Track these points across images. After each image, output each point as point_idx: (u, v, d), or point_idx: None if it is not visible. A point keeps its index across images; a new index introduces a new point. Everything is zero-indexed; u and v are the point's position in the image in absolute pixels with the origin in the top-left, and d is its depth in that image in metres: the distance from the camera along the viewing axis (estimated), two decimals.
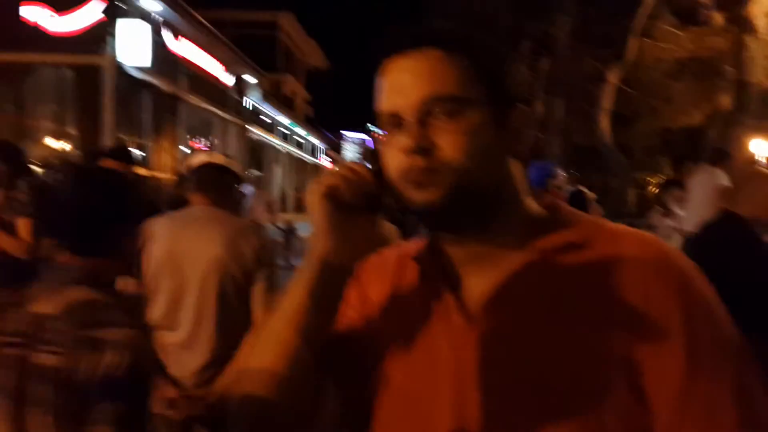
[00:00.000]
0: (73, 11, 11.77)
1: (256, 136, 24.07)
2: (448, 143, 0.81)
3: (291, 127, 29.23)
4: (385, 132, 0.86)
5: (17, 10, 11.35)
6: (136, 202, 1.61)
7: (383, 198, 0.87)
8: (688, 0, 16.42)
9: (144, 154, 14.52)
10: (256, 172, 13.27)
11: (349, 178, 0.85)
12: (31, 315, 1.42)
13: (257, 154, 25.34)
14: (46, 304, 1.43)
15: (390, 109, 0.85)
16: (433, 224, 0.89)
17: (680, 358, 0.76)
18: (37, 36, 11.52)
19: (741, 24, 12.80)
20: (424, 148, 0.81)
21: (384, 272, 0.98)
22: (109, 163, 3.73)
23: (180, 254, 2.55)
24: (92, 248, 1.50)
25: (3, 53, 11.33)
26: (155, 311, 2.58)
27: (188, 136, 18.63)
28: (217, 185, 2.72)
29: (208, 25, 16.32)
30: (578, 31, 17.60)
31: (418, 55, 0.83)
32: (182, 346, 2.52)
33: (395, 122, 0.84)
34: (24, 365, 1.36)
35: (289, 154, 30.21)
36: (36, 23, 11.59)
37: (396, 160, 0.83)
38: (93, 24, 11.88)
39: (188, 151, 17.78)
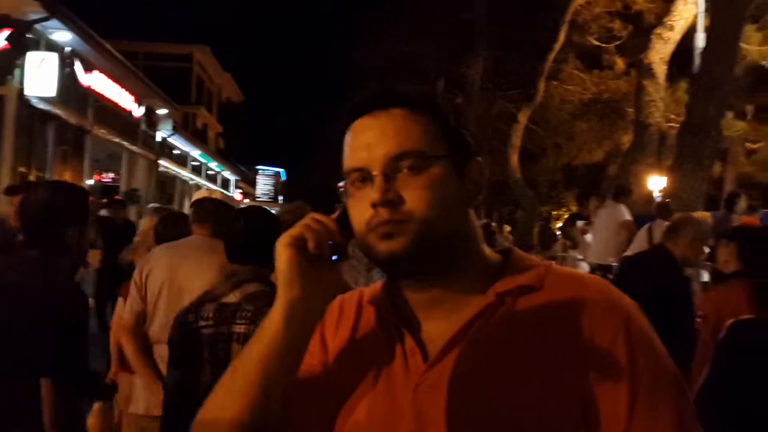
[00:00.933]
0: None
1: (166, 170, 23.49)
2: (413, 196, 0.86)
3: (203, 160, 28.71)
4: (352, 186, 0.91)
5: None
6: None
7: (347, 247, 0.91)
8: (593, 46, 17.53)
9: None
10: (154, 205, 12.96)
11: (314, 228, 0.88)
12: (223, 304, 2.19)
13: (168, 187, 24.69)
14: (231, 296, 2.19)
15: (357, 164, 0.89)
16: (396, 272, 0.92)
17: (625, 393, 0.82)
18: None
19: (641, 69, 13.76)
20: (390, 201, 0.86)
21: (342, 318, 1.00)
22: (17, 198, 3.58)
23: (180, 278, 2.87)
24: (254, 258, 2.25)
25: None
26: (155, 327, 2.93)
27: (95, 169, 17.97)
28: (214, 218, 3.04)
29: (119, 56, 15.94)
30: (491, 73, 18.40)
31: (384, 114, 0.90)
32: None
33: (362, 177, 0.89)
34: (228, 337, 2.12)
35: (199, 187, 29.56)
36: None
37: (363, 212, 0.88)
38: None
39: (92, 184, 17.14)
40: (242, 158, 37.35)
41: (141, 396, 3.05)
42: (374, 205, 0.86)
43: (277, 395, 0.88)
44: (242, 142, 39.85)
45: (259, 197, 40.83)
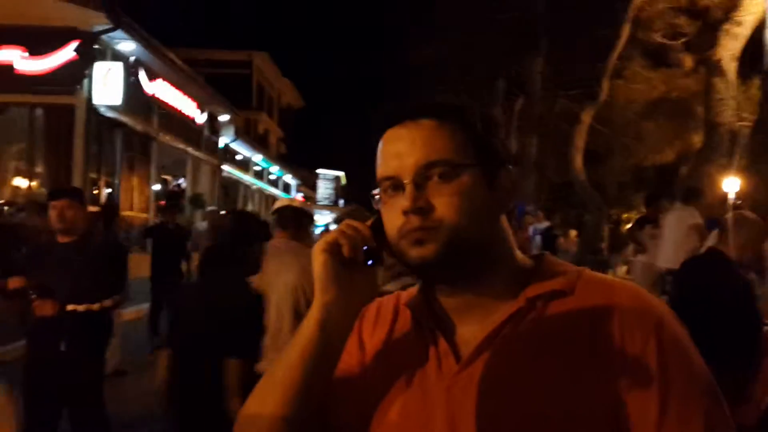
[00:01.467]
0: (49, 50, 11.87)
1: (229, 174, 24.11)
2: (443, 204, 0.89)
3: (264, 165, 29.33)
4: (384, 194, 0.94)
5: None
6: None
7: (381, 253, 0.94)
8: (658, 43, 17.00)
9: (113, 193, 14.47)
10: (212, 208, 13.29)
11: (349, 234, 0.93)
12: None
13: (230, 191, 25.35)
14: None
15: (389, 172, 0.93)
16: (428, 278, 0.96)
17: (655, 400, 0.82)
18: (9, 76, 11.55)
19: (710, 66, 13.26)
20: (421, 209, 0.89)
21: (380, 320, 1.04)
22: (59, 204, 3.67)
23: (265, 278, 3.17)
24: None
25: None
26: None
27: (160, 175, 18.62)
28: (294, 223, 3.40)
29: (182, 64, 16.47)
30: (553, 72, 18.09)
31: (415, 125, 0.93)
32: (268, 348, 3.12)
33: (394, 185, 0.92)
34: None
35: (261, 191, 30.24)
36: (10, 63, 11.65)
37: (395, 219, 0.91)
38: (65, 63, 11.96)
39: (158, 189, 17.75)
40: (303, 162, 38.04)
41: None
42: (405, 213, 0.90)
43: (315, 393, 0.93)
44: (303, 147, 40.49)
45: (320, 201, 41.41)
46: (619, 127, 19.54)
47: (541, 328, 0.90)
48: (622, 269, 13.47)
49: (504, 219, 0.97)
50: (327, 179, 43.84)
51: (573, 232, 18.21)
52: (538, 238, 11.24)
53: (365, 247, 0.93)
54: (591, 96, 17.13)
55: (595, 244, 16.49)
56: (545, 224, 11.89)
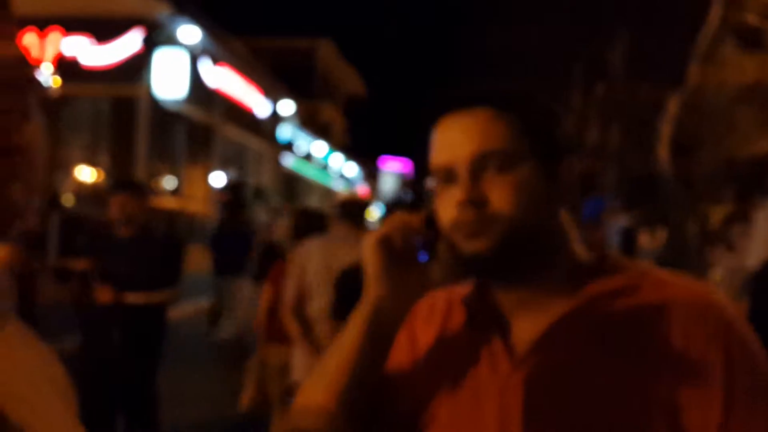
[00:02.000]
0: (113, 40, 12.34)
1: (290, 165, 24.48)
2: (499, 196, 0.89)
3: (327, 155, 29.65)
4: (438, 185, 0.94)
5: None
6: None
7: (435, 246, 0.94)
8: (753, 25, 16.22)
9: (177, 184, 14.94)
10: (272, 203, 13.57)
11: (401, 227, 0.93)
12: None
13: (292, 183, 25.75)
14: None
15: (443, 163, 0.93)
16: (483, 272, 0.95)
17: (718, 405, 0.81)
18: (75, 67, 12.08)
19: None
20: (476, 201, 0.88)
21: (433, 315, 1.04)
22: (120, 197, 3.85)
23: (335, 265, 3.42)
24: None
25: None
26: (314, 307, 3.61)
27: (221, 166, 19.11)
28: (357, 216, 3.83)
29: (245, 53, 16.83)
30: (635, 57, 17.57)
31: (470, 114, 0.92)
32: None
33: (448, 176, 0.92)
34: None
35: (323, 184, 30.59)
36: (75, 57, 12.19)
37: (449, 211, 0.91)
38: (131, 56, 12.42)
39: (221, 180, 18.21)
40: (367, 152, 38.23)
41: (298, 365, 3.73)
42: (459, 205, 0.89)
43: (364, 387, 0.94)
44: (367, 136, 40.67)
45: (383, 192, 41.54)
46: (708, 115, 18.83)
47: (600, 328, 0.89)
48: (716, 271, 12.97)
49: (564, 213, 0.96)
50: (390, 173, 43.96)
51: (659, 230, 17.68)
52: (616, 237, 10.97)
53: (418, 241, 0.93)
54: (678, 83, 16.56)
55: (681, 243, 15.97)
56: (625, 221, 11.59)
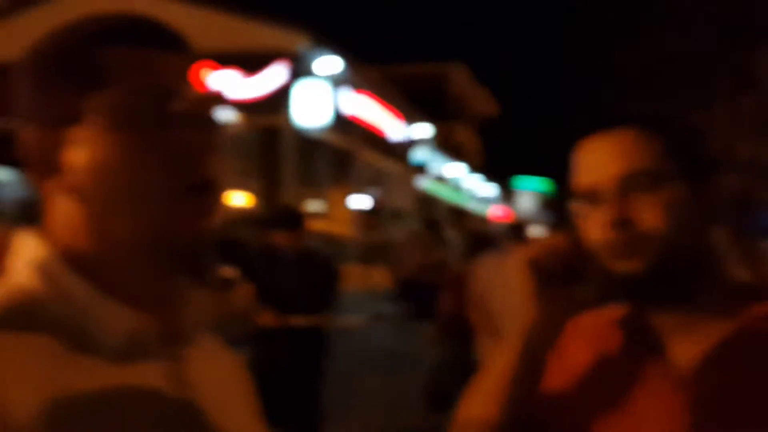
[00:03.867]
0: (258, 72, 13.08)
1: (426, 188, 24.68)
2: (649, 216, 0.87)
3: (461, 177, 29.61)
4: (584, 206, 0.93)
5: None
6: None
7: (582, 268, 0.93)
8: None
9: (321, 207, 15.52)
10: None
11: (551, 249, 0.93)
12: None
13: (427, 204, 25.92)
14: None
15: (590, 184, 0.92)
16: (637, 293, 0.92)
17: None
18: (225, 100, 12.92)
19: None
20: (625, 221, 0.87)
21: (586, 337, 1.02)
22: (279, 236, 4.07)
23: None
24: None
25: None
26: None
27: (361, 189, 19.62)
28: (521, 235, 4.48)
29: (380, 80, 17.25)
30: None
31: (616, 134, 0.92)
32: None
33: (594, 197, 0.91)
34: None
35: (458, 204, 30.53)
36: (224, 88, 13.04)
37: (597, 232, 0.90)
38: (277, 89, 13.09)
39: (361, 204, 18.69)
40: (502, 172, 37.78)
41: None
42: (608, 225, 0.89)
43: (518, 406, 0.96)
44: (502, 156, 40.20)
45: (521, 213, 40.84)
46: None
47: (763, 351, 0.87)
48: None
49: (719, 232, 0.95)
50: (527, 193, 43.10)
51: None
52: None
53: (566, 263, 0.93)
54: None
55: None
56: None
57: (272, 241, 4.16)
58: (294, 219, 4.17)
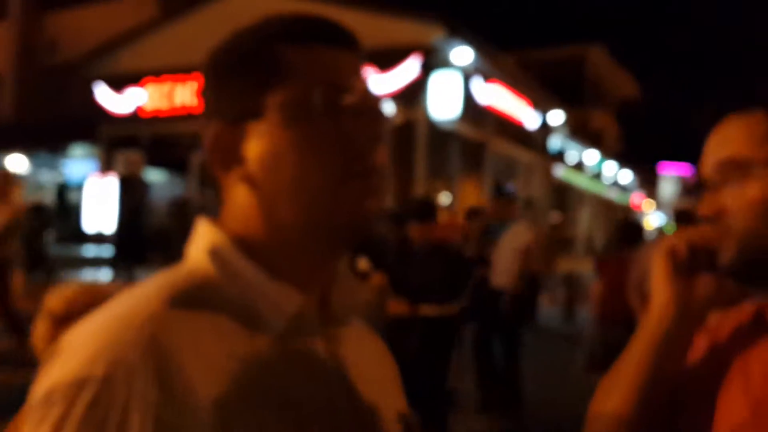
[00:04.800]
0: (393, 68, 13.17)
1: (561, 176, 23.95)
2: (738, 206, 0.86)
3: (599, 165, 28.47)
4: (722, 186, 0.90)
5: None
6: None
7: (722, 259, 0.89)
8: None
9: (451, 200, 15.43)
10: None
11: (689, 238, 0.92)
12: None
13: (562, 194, 25.16)
14: None
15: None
16: (742, 283, 0.92)
17: None
18: None
19: None
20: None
21: (736, 329, 0.98)
22: (413, 228, 4.13)
23: None
24: None
25: None
26: None
27: (492, 179, 19.34)
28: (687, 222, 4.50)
29: (515, 67, 16.86)
30: None
31: (743, 119, 0.90)
32: None
33: (733, 175, 0.89)
34: None
35: (596, 194, 29.40)
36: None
37: (742, 215, 0.87)
38: (410, 83, 13.12)
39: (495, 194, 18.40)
40: (644, 158, 35.99)
41: None
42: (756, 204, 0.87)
43: (654, 395, 0.93)
44: (644, 141, 38.35)
45: (664, 198, 38.85)
46: None
47: None
48: None
49: None
50: (670, 179, 40.90)
51: None
52: None
53: (709, 253, 0.91)
54: None
55: None
56: None
57: (406, 234, 4.32)
58: (426, 211, 4.26)
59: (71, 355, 0.63)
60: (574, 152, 25.02)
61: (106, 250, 13.43)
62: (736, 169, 0.87)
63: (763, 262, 0.86)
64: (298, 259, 0.74)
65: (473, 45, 13.95)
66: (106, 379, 0.60)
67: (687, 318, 0.93)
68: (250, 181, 0.74)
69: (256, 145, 0.73)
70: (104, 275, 11.93)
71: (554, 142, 22.11)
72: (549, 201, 21.82)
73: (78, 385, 0.60)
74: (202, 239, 0.76)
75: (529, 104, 18.69)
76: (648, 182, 37.68)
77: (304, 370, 0.72)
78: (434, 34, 13.17)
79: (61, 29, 20.02)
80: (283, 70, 0.73)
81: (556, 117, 20.96)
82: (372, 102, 0.77)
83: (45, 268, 11.32)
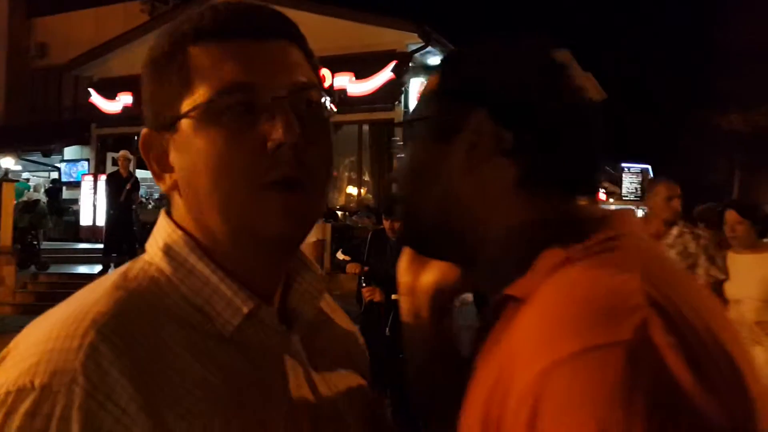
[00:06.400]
0: (372, 76, 13.48)
1: None
2: None
3: None
4: None
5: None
6: None
7: None
8: None
9: None
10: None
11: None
12: None
13: None
14: None
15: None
16: None
17: None
18: (342, 99, 13.42)
19: None
20: None
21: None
22: (387, 222, 4.45)
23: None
24: None
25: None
26: None
27: None
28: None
29: None
30: None
31: None
32: None
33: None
34: None
35: None
36: (343, 87, 13.54)
37: None
38: (385, 83, 13.45)
39: None
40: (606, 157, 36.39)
41: None
42: None
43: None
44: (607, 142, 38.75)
45: (625, 196, 39.42)
46: None
47: None
48: None
49: None
50: (632, 173, 41.44)
51: None
52: None
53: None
54: None
55: None
56: None
57: (381, 227, 4.53)
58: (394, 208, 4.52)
59: (14, 362, 0.60)
60: None
61: (98, 246, 13.55)
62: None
63: (423, 231, 0.80)
64: (240, 261, 0.71)
65: (447, 51, 14.25)
66: (46, 388, 0.57)
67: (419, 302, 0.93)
68: (175, 188, 0.71)
69: (175, 155, 0.70)
70: (95, 270, 12.10)
71: None
72: None
73: (17, 393, 0.57)
74: (160, 235, 0.73)
75: None
76: (611, 179, 38.27)
77: (259, 369, 0.68)
78: (409, 41, 13.54)
79: (50, 33, 19.99)
80: (192, 74, 0.67)
81: None
82: (295, 101, 0.68)
83: (37, 264, 11.43)
